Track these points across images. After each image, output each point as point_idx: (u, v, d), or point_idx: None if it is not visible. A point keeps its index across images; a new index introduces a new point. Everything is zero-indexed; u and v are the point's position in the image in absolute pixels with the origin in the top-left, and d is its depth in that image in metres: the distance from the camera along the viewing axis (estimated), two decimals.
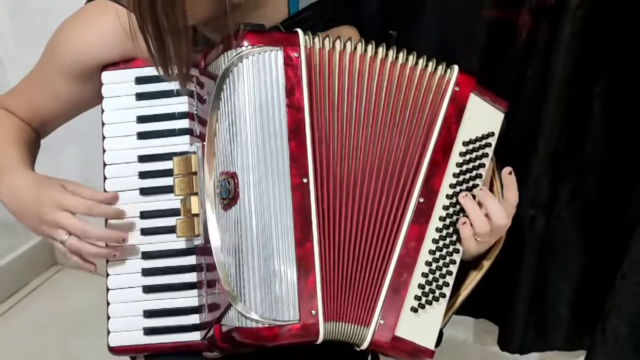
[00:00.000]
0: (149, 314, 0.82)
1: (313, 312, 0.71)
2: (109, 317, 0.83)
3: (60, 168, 1.03)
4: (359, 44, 0.79)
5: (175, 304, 0.82)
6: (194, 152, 0.80)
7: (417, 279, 0.76)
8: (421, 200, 0.77)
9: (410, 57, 0.80)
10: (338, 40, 0.78)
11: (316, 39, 0.77)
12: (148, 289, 0.83)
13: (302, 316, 0.71)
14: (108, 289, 0.83)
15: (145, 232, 0.83)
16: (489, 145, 0.81)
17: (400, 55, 0.80)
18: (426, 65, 0.81)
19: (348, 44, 0.78)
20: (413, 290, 0.76)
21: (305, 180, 0.73)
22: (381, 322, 0.75)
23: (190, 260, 0.83)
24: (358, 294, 0.76)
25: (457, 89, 0.80)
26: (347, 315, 0.75)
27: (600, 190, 1.19)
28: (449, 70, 0.81)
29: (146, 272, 0.83)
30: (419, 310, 0.76)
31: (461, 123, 0.80)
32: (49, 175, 0.84)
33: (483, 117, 0.82)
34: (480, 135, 0.81)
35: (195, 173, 0.79)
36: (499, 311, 1.32)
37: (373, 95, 0.78)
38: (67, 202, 0.79)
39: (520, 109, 1.14)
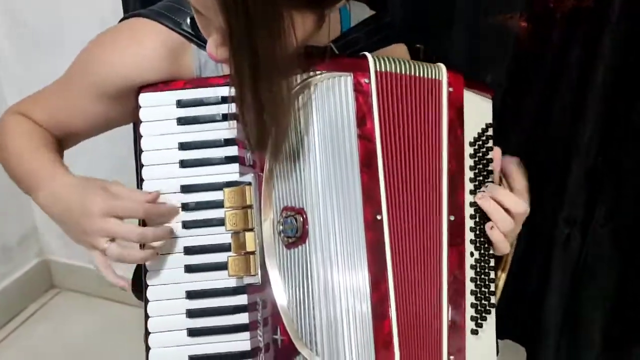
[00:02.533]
0: (195, 359, 0.75)
1: None
2: None
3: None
4: (409, 63, 0.73)
5: (225, 348, 0.75)
6: (249, 183, 0.73)
7: (468, 299, 0.73)
8: (452, 218, 0.73)
9: (398, 65, 0.73)
10: (401, 62, 0.73)
11: (385, 62, 0.71)
12: (194, 332, 0.75)
13: None
14: (148, 333, 0.76)
15: (189, 269, 0.76)
16: (490, 137, 0.78)
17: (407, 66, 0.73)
18: (416, 71, 0.74)
19: (407, 65, 0.73)
20: (468, 312, 0.73)
21: (379, 217, 0.68)
22: (451, 358, 0.71)
23: (241, 300, 0.76)
24: (426, 336, 0.71)
25: (451, 89, 0.75)
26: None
27: (638, 209, 1.17)
28: (436, 70, 0.75)
29: (191, 314, 0.76)
30: (478, 330, 0.73)
31: (464, 125, 0.75)
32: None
33: (477, 111, 0.78)
34: (480, 131, 0.77)
35: (250, 206, 0.73)
36: (527, 332, 1.29)
37: (414, 116, 0.73)
38: (117, 208, 0.72)
39: (555, 125, 1.12)
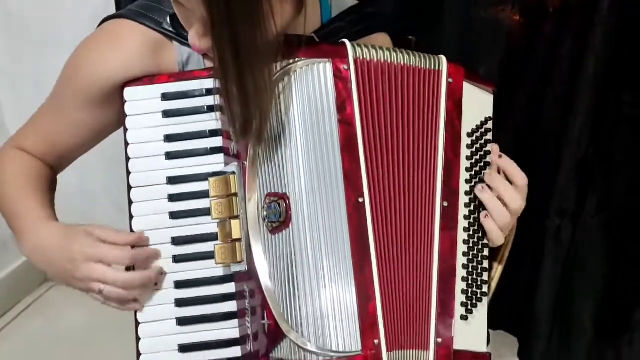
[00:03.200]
0: (185, 348, 0.76)
1: (376, 341, 0.67)
2: (139, 354, 0.76)
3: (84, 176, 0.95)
4: (403, 53, 0.75)
5: (214, 336, 0.76)
6: (233, 172, 0.74)
7: (459, 285, 0.74)
8: (445, 204, 0.74)
9: (399, 55, 0.74)
10: (384, 50, 0.74)
11: (365, 49, 0.73)
12: (183, 321, 0.76)
13: (364, 346, 0.66)
14: (138, 323, 0.77)
15: (177, 259, 0.77)
16: (489, 130, 0.78)
17: (394, 55, 0.74)
18: (416, 61, 0.75)
19: (395, 54, 0.74)
20: (459, 298, 0.73)
21: (361, 200, 0.69)
22: (439, 340, 0.71)
23: (229, 288, 0.77)
24: (413, 317, 0.72)
25: (450, 80, 0.76)
26: (407, 341, 0.70)
27: (628, 200, 1.18)
28: (436, 62, 0.76)
29: (180, 303, 0.77)
30: (468, 316, 0.73)
31: (462, 115, 0.76)
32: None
33: (477, 104, 0.78)
34: (479, 123, 0.78)
35: (234, 194, 0.74)
36: (520, 323, 1.30)
37: (406, 107, 0.74)
38: (102, 255, 0.74)
39: (546, 117, 1.13)
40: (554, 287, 1.28)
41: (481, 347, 0.74)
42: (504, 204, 0.75)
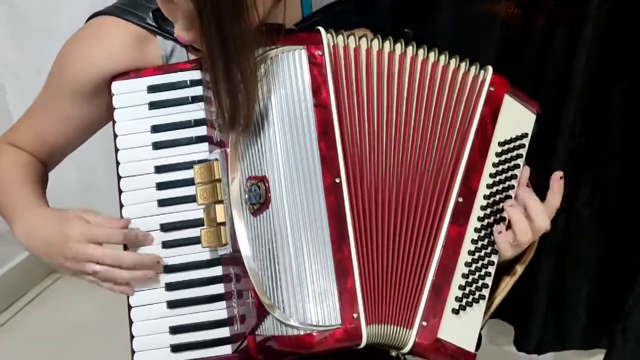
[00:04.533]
0: (175, 329, 0.79)
1: (355, 315, 0.69)
2: (132, 336, 0.79)
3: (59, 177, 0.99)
4: (387, 41, 0.78)
5: (203, 318, 0.79)
6: (216, 159, 0.77)
7: (457, 280, 0.74)
8: (460, 199, 0.76)
9: (442, 57, 0.79)
10: (364, 38, 0.77)
11: (340, 37, 0.75)
12: (173, 304, 0.79)
13: (344, 320, 0.69)
14: (130, 307, 0.80)
15: (166, 244, 0.80)
16: (523, 146, 0.80)
17: (432, 54, 0.79)
18: (459, 65, 0.80)
19: (375, 42, 0.77)
20: (454, 291, 0.74)
21: (337, 180, 0.71)
22: (424, 323, 0.72)
23: (216, 271, 0.79)
24: (399, 295, 0.73)
25: (492, 89, 0.79)
26: (389, 317, 0.72)
27: (620, 189, 1.19)
28: (482, 71, 0.80)
29: (170, 287, 0.80)
30: (460, 312, 0.74)
31: (496, 123, 0.79)
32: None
33: (516, 118, 0.81)
34: (514, 136, 0.80)
35: (218, 180, 0.77)
36: (515, 311, 1.31)
37: (405, 93, 0.77)
38: (95, 234, 0.76)
39: (540, 107, 1.14)
40: (548, 276, 1.29)
41: (469, 346, 0.74)
42: (529, 218, 0.75)
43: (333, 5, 0.89)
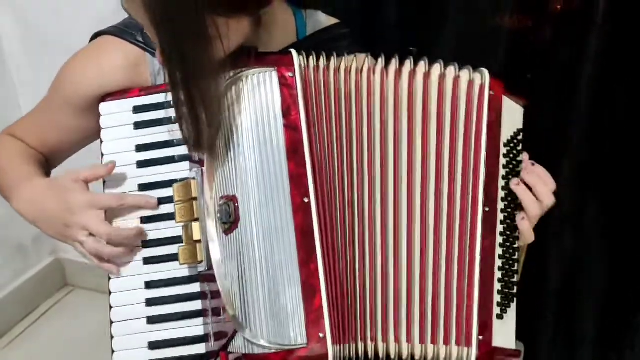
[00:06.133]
0: (154, 345, 0.81)
1: (321, 335, 0.69)
2: (113, 351, 0.81)
3: None
4: (364, 59, 0.78)
5: (181, 334, 0.81)
6: (193, 178, 0.79)
7: (496, 285, 0.77)
8: (487, 209, 0.77)
9: (437, 67, 0.79)
10: (333, 58, 0.77)
11: (311, 58, 0.76)
12: (152, 320, 0.81)
13: (309, 339, 0.69)
14: (111, 322, 0.82)
15: (147, 261, 0.82)
16: (521, 142, 0.82)
17: (420, 66, 0.79)
18: (459, 75, 0.79)
19: (345, 61, 0.77)
20: (495, 298, 0.76)
21: (306, 200, 0.72)
22: (480, 338, 0.74)
23: (195, 287, 0.81)
24: (439, 314, 0.75)
25: (492, 92, 0.79)
26: (360, 334, 0.73)
27: (628, 203, 1.17)
28: (479, 75, 0.80)
29: (150, 302, 0.81)
30: (503, 315, 0.77)
31: (501, 126, 0.79)
32: None
33: (512, 116, 0.82)
34: (513, 134, 0.81)
35: (195, 198, 0.78)
36: (524, 327, 1.29)
37: (377, 110, 0.77)
38: (96, 200, 0.80)
39: (545, 122, 1.13)
40: (556, 292, 1.27)
41: (513, 345, 0.78)
42: (537, 198, 0.79)
43: (327, 30, 0.90)
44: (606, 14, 1.05)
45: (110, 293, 0.82)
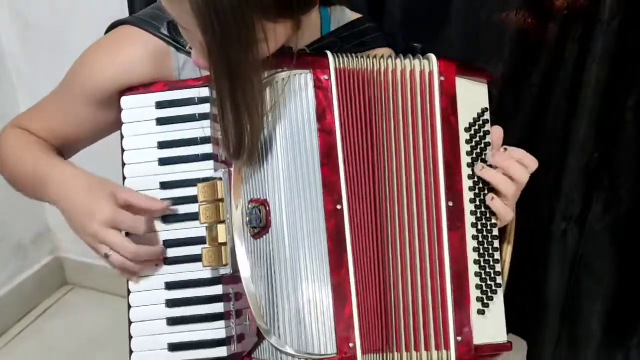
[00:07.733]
0: (174, 347, 0.79)
1: (350, 345, 0.69)
2: (131, 351, 0.80)
3: None
4: (389, 59, 0.76)
5: (201, 336, 0.79)
6: (220, 178, 0.77)
7: (472, 281, 0.75)
8: (450, 204, 0.75)
9: (388, 61, 0.76)
10: (368, 59, 0.75)
11: (346, 59, 0.74)
12: (172, 321, 0.79)
13: (339, 350, 0.68)
14: (130, 322, 0.80)
15: (168, 261, 0.80)
16: (487, 122, 0.79)
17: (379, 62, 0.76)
18: (404, 65, 0.76)
19: (379, 62, 0.75)
20: (473, 293, 0.75)
21: (339, 207, 0.71)
22: (458, 339, 0.73)
23: (216, 290, 0.79)
24: (419, 319, 0.74)
25: (442, 78, 0.76)
26: (393, 344, 0.72)
27: (634, 202, 1.18)
28: (426, 62, 0.77)
29: (170, 303, 0.80)
30: (485, 310, 0.75)
31: (457, 112, 0.76)
32: None
33: (472, 97, 0.78)
34: (476, 116, 0.78)
35: (221, 200, 0.76)
36: (528, 326, 1.30)
37: (393, 109, 0.75)
38: (120, 220, 0.76)
39: (550, 122, 1.13)
40: (561, 291, 1.28)
41: (502, 337, 0.76)
42: (510, 178, 0.76)
43: (350, 26, 0.88)
44: (612, 11, 1.05)
45: (129, 292, 0.81)
